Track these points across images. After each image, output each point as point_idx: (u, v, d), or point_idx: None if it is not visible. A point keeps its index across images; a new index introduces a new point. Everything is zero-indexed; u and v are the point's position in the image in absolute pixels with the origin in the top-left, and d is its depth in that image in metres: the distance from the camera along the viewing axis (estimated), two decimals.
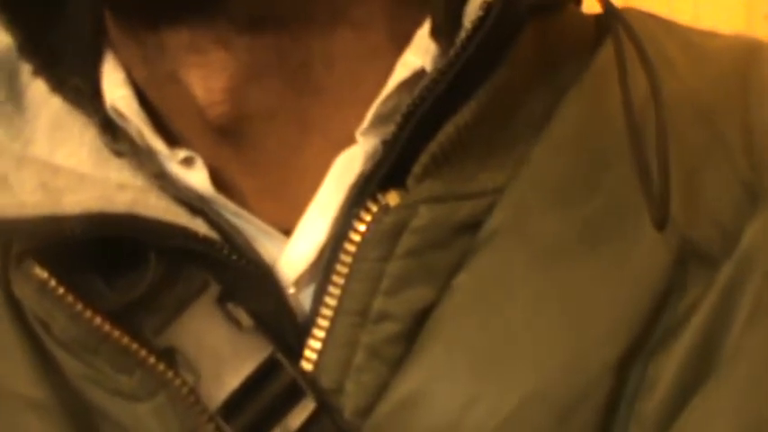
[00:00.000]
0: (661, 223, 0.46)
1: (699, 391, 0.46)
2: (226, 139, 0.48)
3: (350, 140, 0.48)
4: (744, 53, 0.52)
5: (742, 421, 0.46)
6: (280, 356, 0.47)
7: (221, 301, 0.48)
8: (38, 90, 0.51)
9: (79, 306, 0.48)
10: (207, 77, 0.46)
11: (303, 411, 0.47)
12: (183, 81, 0.47)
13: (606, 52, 0.50)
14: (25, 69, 0.51)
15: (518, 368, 0.46)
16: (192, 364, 0.48)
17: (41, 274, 0.48)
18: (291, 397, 0.47)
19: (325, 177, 0.48)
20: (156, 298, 0.48)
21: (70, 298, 0.48)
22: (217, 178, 0.49)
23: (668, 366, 0.46)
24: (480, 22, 0.46)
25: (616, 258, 0.47)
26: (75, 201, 0.47)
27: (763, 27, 1.41)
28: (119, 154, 0.49)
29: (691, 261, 0.47)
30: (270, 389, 0.47)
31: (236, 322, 0.48)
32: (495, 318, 0.47)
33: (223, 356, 0.48)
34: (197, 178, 0.49)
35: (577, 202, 0.48)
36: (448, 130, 0.47)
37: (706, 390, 0.46)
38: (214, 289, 0.48)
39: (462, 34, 0.46)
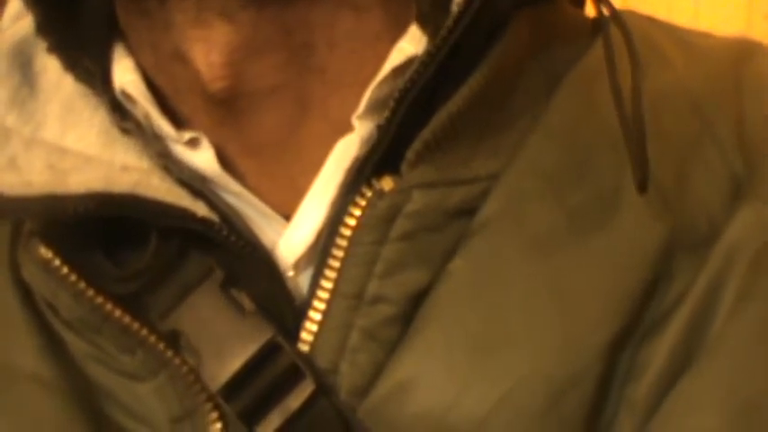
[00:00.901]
0: (642, 184, 0.46)
1: (684, 377, 0.47)
2: (227, 116, 0.49)
3: (348, 123, 0.49)
4: (737, 52, 0.53)
5: (727, 406, 0.46)
6: (280, 339, 0.48)
7: (225, 286, 0.49)
8: (51, 76, 0.52)
9: (82, 285, 0.49)
10: (209, 51, 0.47)
11: (302, 392, 0.48)
12: (187, 57, 0.47)
13: (599, 47, 0.51)
14: (38, 57, 0.52)
15: (511, 352, 0.47)
16: (195, 347, 0.49)
17: (46, 254, 0.49)
18: (291, 379, 0.48)
19: (324, 160, 0.49)
20: (161, 283, 0.49)
21: (73, 277, 0.49)
22: (219, 160, 0.50)
23: (658, 353, 0.47)
24: (466, 6, 0.46)
25: (606, 245, 0.48)
26: (80, 181, 0.48)
27: (763, 27, 1.42)
28: (126, 132, 0.50)
29: (679, 249, 0.48)
30: (270, 371, 0.48)
31: (238, 307, 0.49)
32: (489, 302, 0.47)
33: (225, 340, 0.49)
34: (203, 158, 0.50)
35: (569, 190, 0.49)
36: (440, 116, 0.47)
37: (691, 375, 0.47)
38: (218, 274, 0.49)
39: (449, 19, 0.47)
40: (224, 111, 0.49)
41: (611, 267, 0.48)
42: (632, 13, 0.54)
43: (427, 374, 0.47)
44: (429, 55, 0.47)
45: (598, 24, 0.52)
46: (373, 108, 0.48)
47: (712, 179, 0.49)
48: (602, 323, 0.47)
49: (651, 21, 0.55)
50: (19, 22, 0.53)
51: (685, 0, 1.34)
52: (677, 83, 0.51)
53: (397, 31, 0.49)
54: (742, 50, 0.53)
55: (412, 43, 0.49)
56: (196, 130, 0.50)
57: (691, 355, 0.47)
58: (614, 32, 0.50)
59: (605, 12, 0.51)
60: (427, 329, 0.48)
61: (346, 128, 0.49)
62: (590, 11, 0.54)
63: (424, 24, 0.48)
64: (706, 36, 0.55)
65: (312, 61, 0.48)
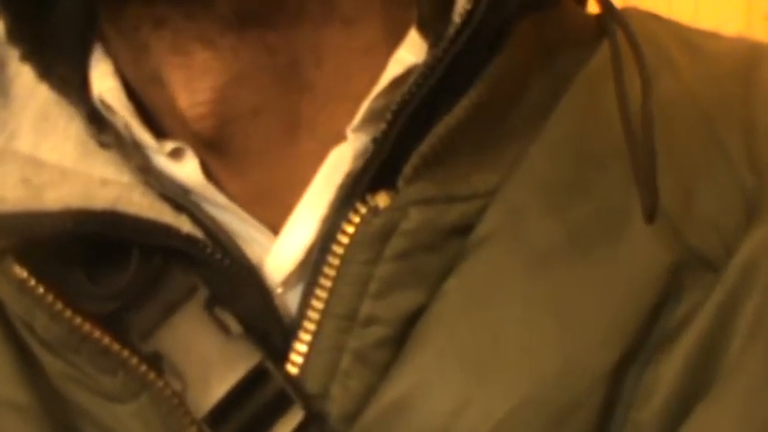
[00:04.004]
0: (650, 214, 0.45)
1: (700, 403, 0.45)
2: (210, 141, 0.47)
3: (338, 138, 0.47)
4: (746, 56, 0.51)
5: None
6: (269, 364, 0.47)
7: (209, 305, 0.47)
8: (25, 82, 0.50)
9: (59, 305, 0.47)
10: (190, 79, 0.45)
11: (291, 420, 0.46)
12: (167, 84, 0.46)
13: (604, 52, 0.49)
14: (12, 62, 0.50)
15: (509, 374, 0.45)
16: (179, 370, 0.47)
17: (21, 273, 0.47)
18: (279, 405, 0.46)
19: (313, 175, 0.47)
20: (143, 302, 0.48)
21: (50, 297, 0.47)
22: (203, 173, 0.48)
23: (666, 374, 0.45)
24: (469, 16, 0.45)
25: (610, 262, 0.46)
26: (57, 197, 0.47)
27: (763, 27, 1.41)
28: (104, 146, 0.49)
29: (688, 266, 0.46)
30: (258, 397, 0.47)
31: (224, 328, 0.47)
32: (486, 323, 0.46)
33: (211, 363, 0.47)
34: (187, 169, 0.48)
35: (571, 205, 0.47)
36: (439, 130, 0.46)
37: (707, 402, 0.45)
38: (202, 293, 0.48)
39: (451, 29, 0.45)
40: (206, 135, 0.47)
41: (614, 286, 0.46)
42: (636, 11, 0.52)
43: (420, 397, 0.46)
44: (429, 66, 0.45)
45: (602, 25, 0.50)
46: (369, 120, 0.47)
47: (722, 197, 0.47)
48: (605, 345, 0.45)
49: (657, 19, 0.53)
50: None
51: (685, 0, 1.34)
52: (683, 90, 0.49)
53: (393, 40, 0.47)
54: (753, 54, 0.51)
55: (411, 51, 0.47)
56: (179, 141, 0.48)
57: (703, 379, 0.46)
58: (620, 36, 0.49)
59: (609, 15, 0.50)
60: (421, 351, 0.46)
61: (336, 143, 0.47)
62: (591, 8, 0.53)
63: (425, 31, 0.47)
64: (714, 37, 0.53)
65: (299, 78, 0.47)
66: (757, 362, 0.45)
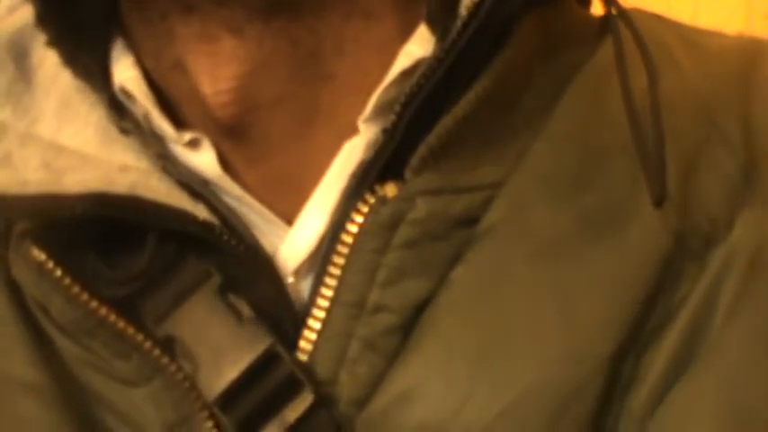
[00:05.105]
0: (659, 200, 0.45)
1: (679, 382, 0.46)
2: (230, 129, 0.48)
3: (354, 130, 0.48)
4: (747, 53, 0.52)
5: (722, 410, 0.46)
6: (279, 348, 0.47)
7: (222, 291, 0.48)
8: (48, 69, 0.51)
9: (76, 288, 0.48)
10: (215, 66, 0.46)
11: (301, 404, 0.47)
12: (191, 71, 0.47)
13: (607, 48, 0.50)
14: (36, 51, 0.51)
15: (515, 362, 0.46)
16: (192, 354, 0.48)
17: (39, 255, 0.48)
18: (290, 389, 0.47)
19: (329, 166, 0.48)
20: (157, 287, 0.48)
21: (67, 280, 0.48)
22: (220, 163, 0.49)
23: (656, 361, 0.46)
24: (476, 10, 0.46)
25: (612, 253, 0.47)
26: (77, 180, 0.47)
27: (763, 27, 1.41)
28: (125, 132, 0.49)
29: (685, 255, 0.47)
30: (268, 381, 0.47)
31: (236, 313, 0.48)
32: (491, 311, 0.47)
33: (222, 347, 0.48)
34: (204, 159, 0.49)
35: (575, 196, 0.48)
36: (446, 122, 0.47)
37: (686, 380, 0.46)
38: (216, 279, 0.48)
39: (458, 22, 0.46)
40: (227, 123, 0.48)
41: (616, 276, 0.47)
42: (639, 11, 0.53)
43: (427, 385, 0.46)
44: (437, 59, 0.46)
45: (606, 24, 0.51)
46: (380, 112, 0.48)
47: (721, 181, 0.48)
48: (606, 332, 0.46)
49: (658, 19, 0.54)
50: (15, 14, 0.52)
51: (685, 0, 1.34)
52: (685, 85, 0.50)
53: (406, 36, 0.48)
54: (752, 51, 0.52)
55: (420, 45, 0.48)
56: (197, 131, 0.49)
57: (690, 361, 0.46)
58: (623, 32, 0.50)
59: (614, 11, 0.51)
60: (428, 339, 0.47)
61: (353, 133, 0.48)
62: (597, 10, 0.54)
63: (433, 25, 0.48)
64: (715, 35, 0.54)
65: (319, 69, 0.47)
66: (735, 343, 0.46)
